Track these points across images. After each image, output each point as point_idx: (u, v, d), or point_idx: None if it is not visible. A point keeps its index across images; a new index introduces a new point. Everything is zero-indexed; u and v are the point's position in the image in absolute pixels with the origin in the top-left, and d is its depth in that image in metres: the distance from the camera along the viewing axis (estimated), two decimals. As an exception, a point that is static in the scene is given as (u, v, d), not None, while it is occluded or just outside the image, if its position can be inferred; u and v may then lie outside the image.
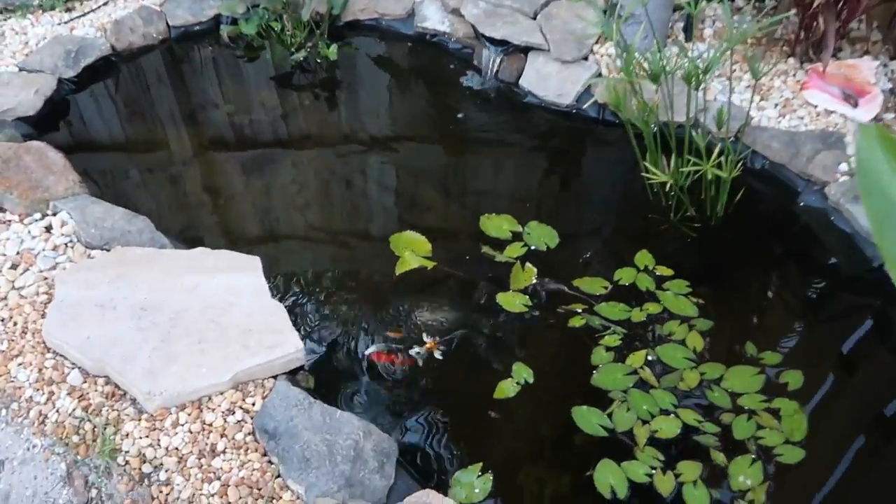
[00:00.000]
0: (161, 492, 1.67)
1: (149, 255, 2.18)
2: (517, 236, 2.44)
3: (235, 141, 2.96)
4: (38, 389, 1.84)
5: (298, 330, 1.99)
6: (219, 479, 1.69)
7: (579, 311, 2.18)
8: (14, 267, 2.14)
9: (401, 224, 2.51)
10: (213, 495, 1.66)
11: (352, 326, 2.17)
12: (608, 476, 1.78)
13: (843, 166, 2.47)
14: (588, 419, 1.90)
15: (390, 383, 2.02)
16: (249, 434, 1.78)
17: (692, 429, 1.88)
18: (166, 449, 1.73)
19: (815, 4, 2.63)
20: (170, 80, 3.25)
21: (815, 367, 2.03)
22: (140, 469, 1.70)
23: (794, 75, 2.84)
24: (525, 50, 3.11)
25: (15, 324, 1.99)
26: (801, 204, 2.53)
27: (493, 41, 3.12)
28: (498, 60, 3.13)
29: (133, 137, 2.97)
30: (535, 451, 1.90)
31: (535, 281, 2.28)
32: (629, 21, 2.64)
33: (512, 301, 2.22)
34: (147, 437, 1.75)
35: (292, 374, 1.95)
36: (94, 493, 1.68)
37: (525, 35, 3.07)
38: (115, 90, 3.19)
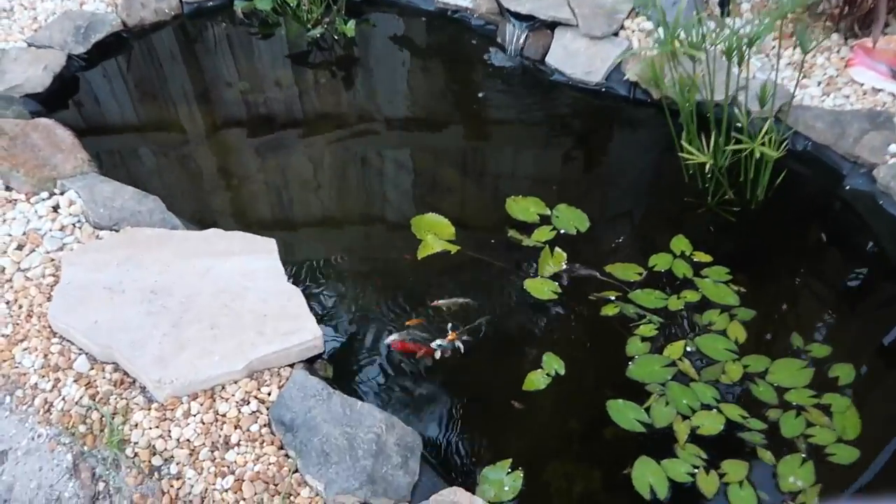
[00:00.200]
0: (172, 486, 1.58)
1: (159, 237, 2.08)
2: (545, 220, 2.32)
3: (249, 121, 2.86)
4: (43, 376, 1.75)
5: (316, 316, 1.89)
6: (232, 473, 1.60)
7: (612, 298, 2.06)
8: (20, 248, 2.06)
9: (423, 206, 2.40)
10: (226, 490, 1.57)
11: (371, 313, 2.06)
12: (647, 475, 1.67)
13: (893, 147, 2.34)
14: (624, 413, 1.79)
15: (413, 374, 1.91)
16: (265, 426, 1.69)
17: (736, 425, 1.76)
18: (177, 440, 1.65)
19: (863, -24, 2.48)
20: (182, 58, 3.16)
21: (867, 361, 1.91)
22: (150, 461, 1.61)
23: (839, 52, 2.69)
24: (552, 25, 2.98)
25: (20, 307, 1.90)
26: (847, 187, 2.39)
27: (518, 16, 3.00)
28: (523, 37, 3.01)
29: (144, 116, 2.88)
30: (566, 447, 1.79)
31: (564, 267, 2.16)
32: (664, -7, 2.49)
33: (540, 288, 2.10)
34: (157, 427, 1.67)
35: (310, 363, 1.86)
36: (101, 486, 1.59)
37: (552, 9, 2.94)
38: (126, 67, 3.09)
